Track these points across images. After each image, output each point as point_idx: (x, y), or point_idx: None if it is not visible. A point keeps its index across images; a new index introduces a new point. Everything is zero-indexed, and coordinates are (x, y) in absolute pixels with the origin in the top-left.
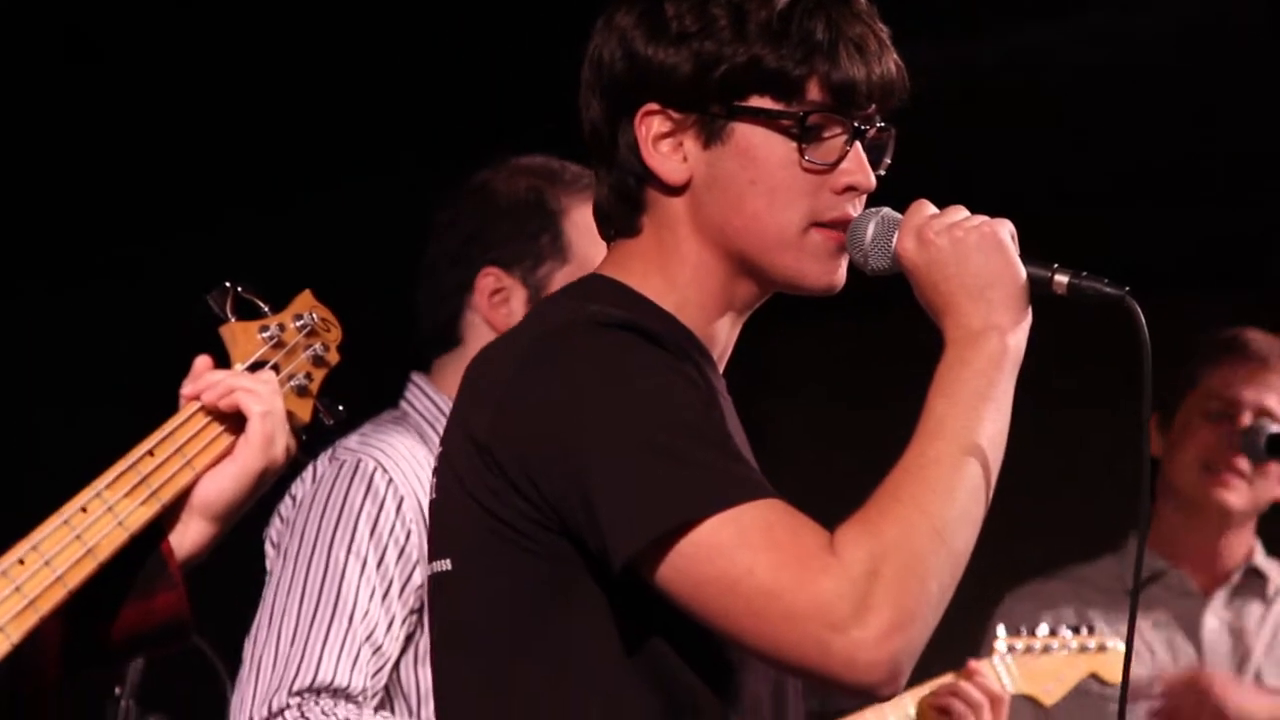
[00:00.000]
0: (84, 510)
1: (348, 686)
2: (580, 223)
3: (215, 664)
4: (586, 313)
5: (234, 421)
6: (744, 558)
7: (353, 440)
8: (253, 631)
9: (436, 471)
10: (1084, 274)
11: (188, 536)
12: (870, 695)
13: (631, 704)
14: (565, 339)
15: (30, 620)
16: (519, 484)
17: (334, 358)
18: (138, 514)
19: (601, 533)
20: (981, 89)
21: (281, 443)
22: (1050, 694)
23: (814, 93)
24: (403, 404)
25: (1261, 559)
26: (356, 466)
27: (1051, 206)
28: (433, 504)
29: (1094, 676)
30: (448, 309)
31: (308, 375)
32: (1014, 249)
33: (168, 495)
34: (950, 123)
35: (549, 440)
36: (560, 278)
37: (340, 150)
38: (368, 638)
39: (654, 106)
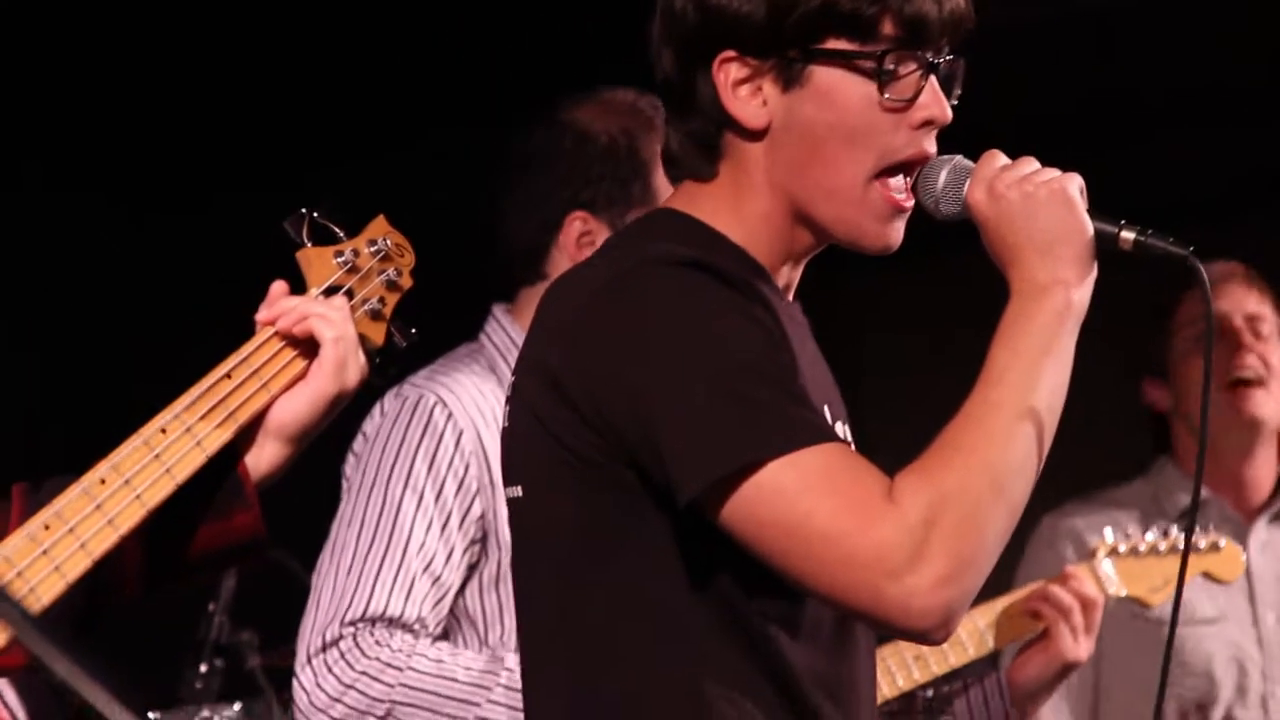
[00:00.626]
0: (163, 431)
1: (401, 616)
2: None
3: (305, 584)
4: (659, 251)
5: (308, 346)
6: (804, 502)
7: (420, 376)
8: (318, 564)
9: (509, 401)
10: (1150, 231)
11: (263, 458)
12: (923, 639)
13: (692, 627)
14: (637, 277)
15: (110, 538)
16: (589, 418)
17: (407, 282)
18: (214, 435)
19: (667, 471)
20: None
21: (354, 367)
22: (1158, 594)
23: (888, 30)
24: (481, 336)
25: None
26: (418, 402)
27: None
28: (504, 432)
29: (1207, 575)
30: (534, 243)
31: (381, 299)
32: (1082, 204)
33: (244, 417)
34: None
35: (619, 378)
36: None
37: (429, 94)
38: (425, 569)
39: (731, 54)
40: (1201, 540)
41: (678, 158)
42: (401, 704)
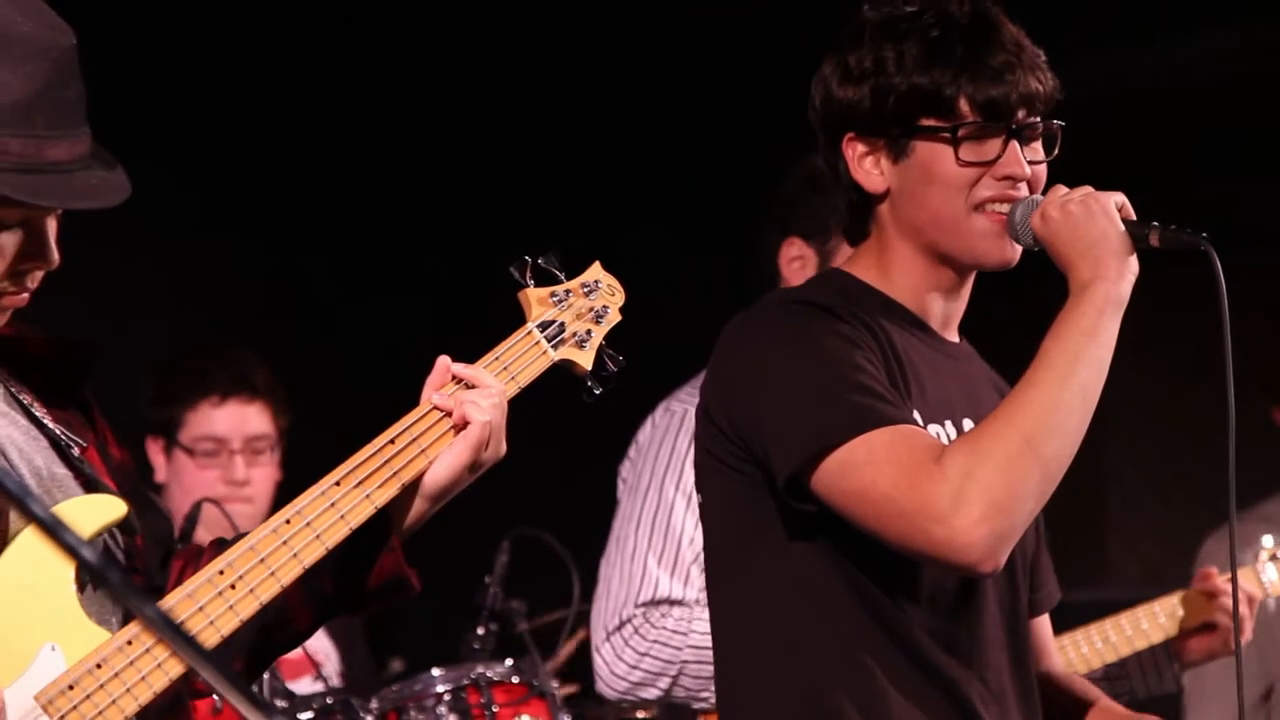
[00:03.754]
0: (337, 484)
1: (681, 599)
2: None
3: (566, 562)
4: (781, 295)
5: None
6: (870, 472)
7: (684, 391)
8: (605, 555)
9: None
10: (1171, 227)
11: (409, 513)
12: (972, 572)
13: (816, 594)
14: (759, 317)
15: (296, 571)
16: (725, 430)
17: (615, 317)
18: (381, 492)
19: (770, 461)
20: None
21: (494, 445)
22: None
23: (964, 108)
24: None
25: None
26: (684, 415)
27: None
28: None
29: None
30: (768, 266)
31: (589, 331)
32: (1115, 214)
33: (406, 477)
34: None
35: (739, 393)
36: (843, 252)
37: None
38: (694, 560)
39: (852, 135)
40: None
41: (844, 225)
42: (690, 662)
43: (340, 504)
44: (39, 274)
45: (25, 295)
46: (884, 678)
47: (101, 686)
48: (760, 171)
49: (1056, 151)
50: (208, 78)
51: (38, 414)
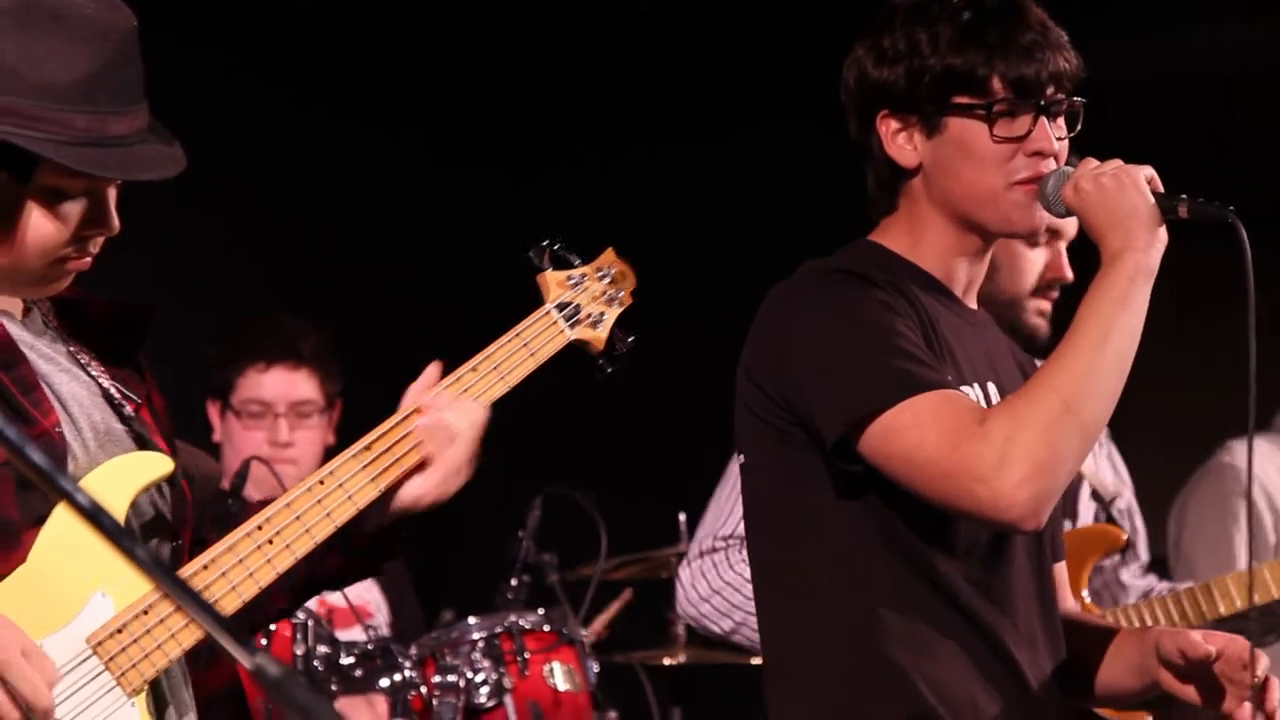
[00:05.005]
0: (368, 448)
1: None
2: None
3: (595, 517)
4: (819, 265)
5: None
6: (915, 435)
7: None
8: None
9: (735, 392)
10: (1200, 200)
11: (381, 515)
12: (1015, 529)
13: (862, 548)
14: (800, 285)
15: (329, 529)
16: (771, 393)
17: (627, 300)
18: (410, 455)
19: (816, 425)
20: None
21: (466, 468)
22: None
23: (996, 86)
24: None
25: None
26: None
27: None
28: (734, 414)
29: None
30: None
31: (603, 314)
32: (1145, 186)
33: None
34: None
35: (785, 359)
36: None
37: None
38: None
39: (886, 112)
40: None
41: (872, 199)
42: (753, 615)
43: (371, 467)
44: (100, 240)
45: (88, 260)
46: (928, 625)
47: (148, 631)
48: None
49: (1079, 128)
50: (274, 51)
51: (94, 372)
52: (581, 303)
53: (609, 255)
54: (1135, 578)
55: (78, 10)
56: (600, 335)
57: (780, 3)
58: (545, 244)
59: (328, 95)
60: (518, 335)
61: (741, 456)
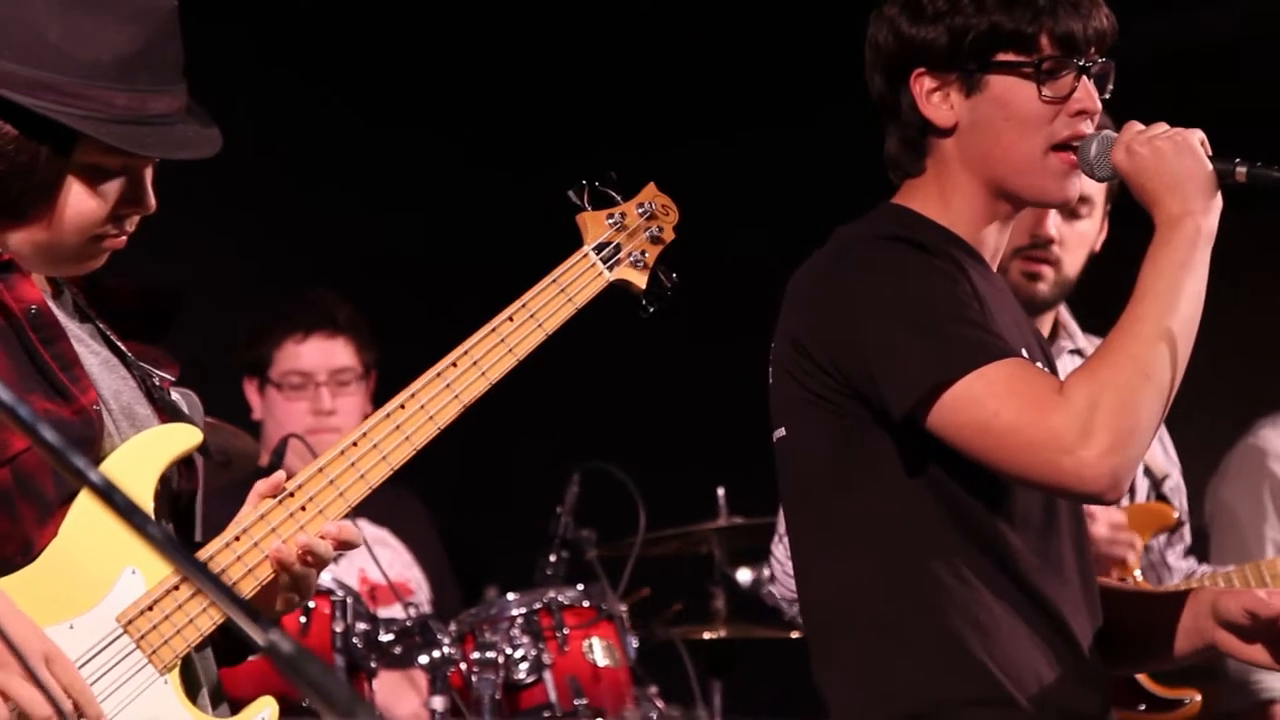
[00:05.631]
0: (402, 407)
1: None
2: None
3: (633, 492)
4: (866, 232)
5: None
6: (991, 404)
7: None
8: None
9: (770, 363)
10: (1259, 164)
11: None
12: (1098, 501)
13: (920, 519)
14: (851, 253)
15: (363, 490)
16: (824, 365)
17: (669, 236)
18: (443, 412)
19: (882, 396)
20: None
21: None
22: None
23: (1044, 43)
24: None
25: None
26: None
27: None
28: (770, 386)
29: None
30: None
31: (644, 252)
32: (1201, 150)
33: (467, 398)
34: None
35: (841, 328)
36: None
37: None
38: None
39: (922, 70)
40: None
41: (895, 160)
42: None
43: (405, 425)
44: (136, 218)
45: (123, 238)
46: (990, 596)
47: (179, 607)
48: None
49: (1110, 90)
50: (310, 40)
51: (123, 352)
52: (622, 242)
53: (649, 190)
54: (1179, 559)
55: None
56: (642, 275)
57: (780, 3)
58: (584, 181)
59: (339, 80)
60: (554, 281)
61: (781, 430)
